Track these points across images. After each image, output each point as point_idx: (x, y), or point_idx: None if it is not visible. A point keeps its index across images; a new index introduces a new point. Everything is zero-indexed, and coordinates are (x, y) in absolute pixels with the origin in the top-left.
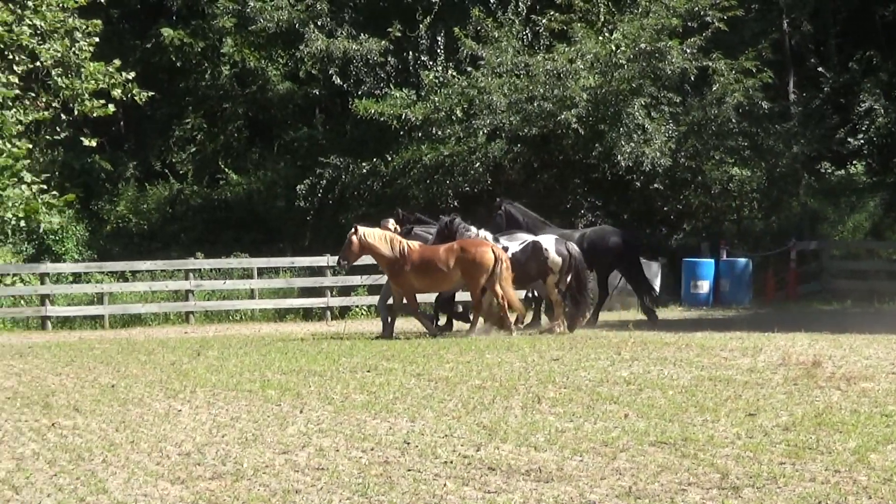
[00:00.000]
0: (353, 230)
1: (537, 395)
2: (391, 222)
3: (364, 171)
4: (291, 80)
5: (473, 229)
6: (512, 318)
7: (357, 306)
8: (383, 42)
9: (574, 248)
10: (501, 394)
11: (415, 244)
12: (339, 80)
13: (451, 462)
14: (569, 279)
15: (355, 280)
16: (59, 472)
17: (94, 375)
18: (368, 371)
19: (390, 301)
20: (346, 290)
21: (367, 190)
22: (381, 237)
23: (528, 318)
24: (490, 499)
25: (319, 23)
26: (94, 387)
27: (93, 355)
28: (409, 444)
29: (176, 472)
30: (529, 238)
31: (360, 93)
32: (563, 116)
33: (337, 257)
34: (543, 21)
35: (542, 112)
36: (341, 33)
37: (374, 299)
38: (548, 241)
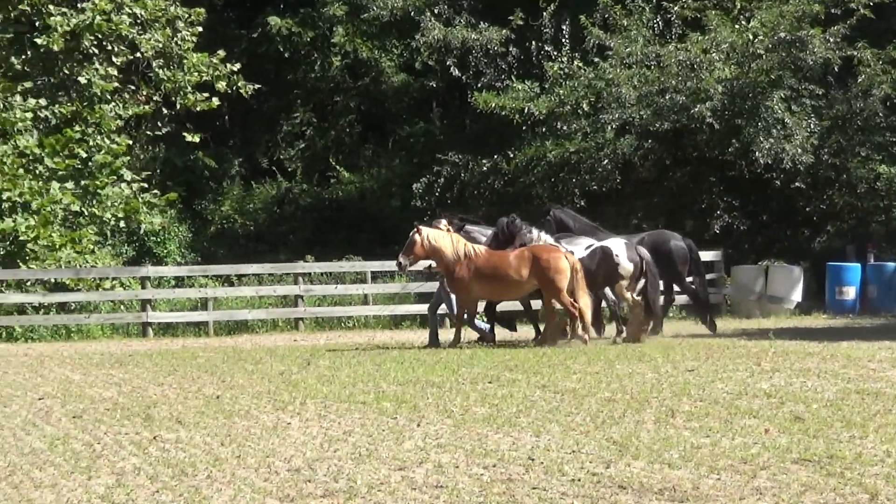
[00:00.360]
0: (415, 230)
1: (671, 409)
2: (443, 223)
3: (484, 168)
4: (406, 71)
5: (535, 231)
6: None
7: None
8: (504, 31)
9: (645, 253)
10: (633, 407)
11: (480, 248)
12: (457, 72)
13: (579, 480)
14: (640, 285)
15: None
16: (161, 489)
17: (198, 386)
18: (490, 382)
19: (442, 308)
20: None
21: (487, 188)
22: (446, 238)
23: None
24: None
25: (436, 10)
26: (198, 398)
27: (196, 364)
28: (533, 460)
29: (285, 489)
30: (595, 243)
31: (479, 85)
32: (696, 110)
33: (396, 259)
34: (675, 8)
35: (674, 105)
36: (459, 22)
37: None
38: (618, 246)
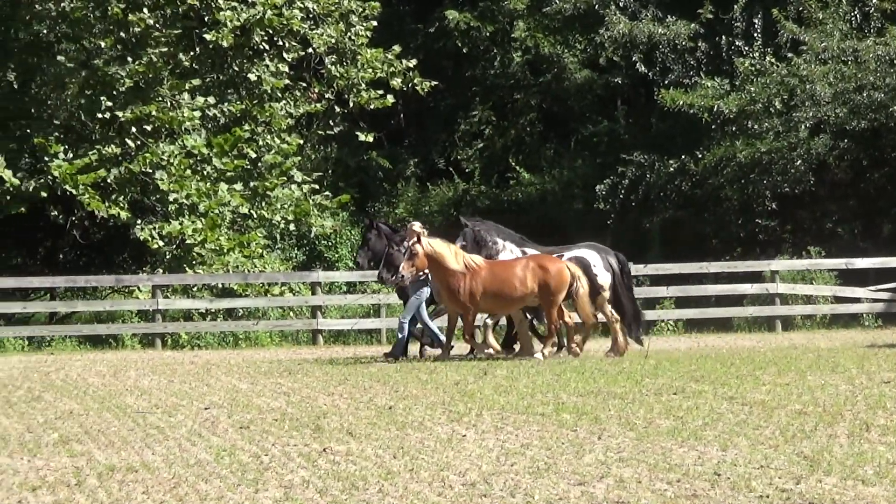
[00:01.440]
0: (414, 239)
1: (866, 423)
2: (417, 225)
3: (671, 169)
4: (590, 67)
5: (500, 241)
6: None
7: (663, 320)
8: (693, 25)
9: (615, 262)
10: (825, 420)
11: (478, 258)
12: (643, 68)
13: (768, 496)
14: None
15: (661, 291)
16: (330, 503)
17: (370, 396)
18: (675, 393)
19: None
20: (650, 303)
21: (674, 190)
22: (447, 247)
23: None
24: None
25: (621, 4)
26: (370, 408)
27: (368, 373)
28: (719, 475)
29: (460, 503)
30: (566, 253)
31: (666, 82)
32: (895, 108)
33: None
34: (874, 1)
35: (872, 103)
36: (646, 15)
37: (683, 313)
38: (592, 256)
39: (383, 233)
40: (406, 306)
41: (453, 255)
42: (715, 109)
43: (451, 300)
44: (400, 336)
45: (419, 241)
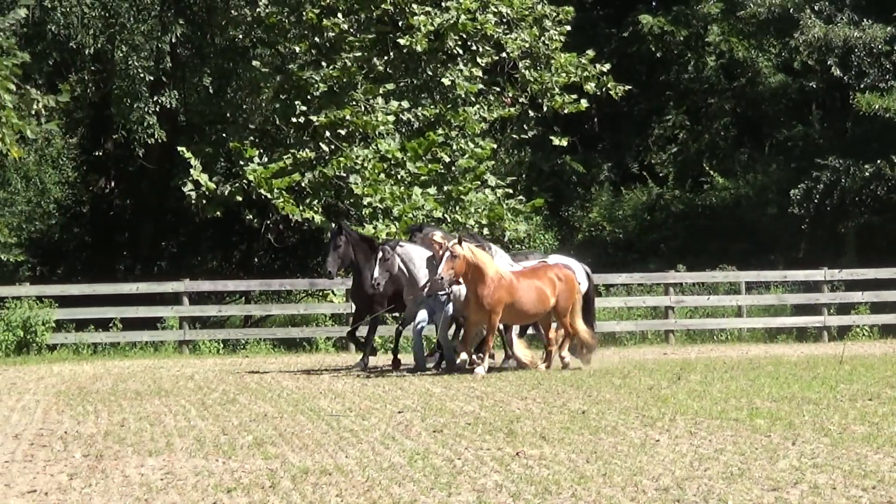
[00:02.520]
0: (455, 241)
1: None
2: (438, 234)
3: (867, 174)
4: (785, 72)
5: (492, 247)
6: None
7: (858, 326)
8: (889, 28)
9: (587, 273)
10: None
11: (502, 268)
12: (838, 72)
13: None
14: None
15: (856, 296)
16: None
17: (563, 400)
18: (870, 399)
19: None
20: (845, 308)
21: (869, 195)
22: (486, 255)
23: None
24: None
25: (816, 7)
26: (563, 413)
27: (562, 378)
28: None
29: None
30: (548, 260)
31: (861, 86)
32: None
33: (438, 276)
34: None
35: None
36: (841, 19)
37: (879, 318)
38: (573, 264)
39: (351, 239)
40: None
41: (491, 262)
42: None
43: (478, 309)
44: (444, 352)
45: (460, 243)
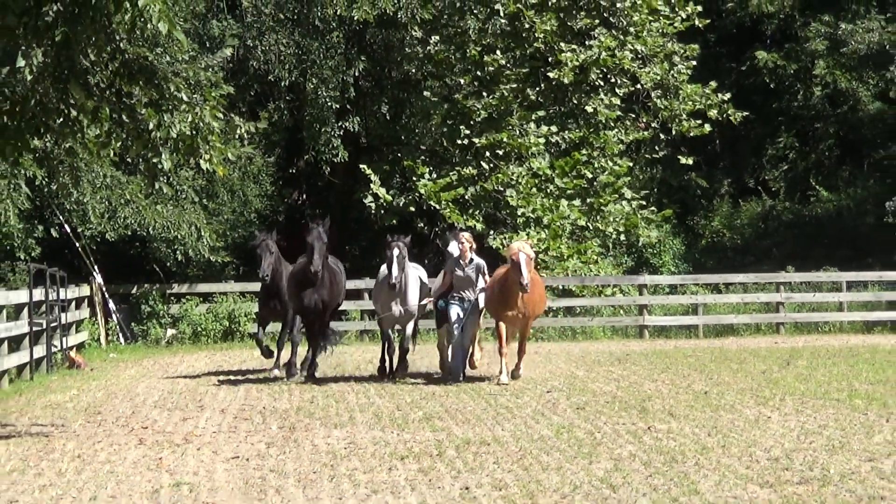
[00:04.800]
0: (525, 246)
1: None
2: (466, 236)
3: None
4: (881, 100)
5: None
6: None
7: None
8: None
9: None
10: None
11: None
12: None
13: None
14: None
15: None
16: (653, 473)
17: (688, 382)
18: None
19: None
20: None
21: None
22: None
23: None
24: None
25: None
26: (688, 393)
27: (687, 363)
28: None
29: (765, 476)
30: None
31: None
32: None
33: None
34: None
35: None
36: None
37: None
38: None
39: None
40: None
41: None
42: None
43: (517, 310)
44: (454, 358)
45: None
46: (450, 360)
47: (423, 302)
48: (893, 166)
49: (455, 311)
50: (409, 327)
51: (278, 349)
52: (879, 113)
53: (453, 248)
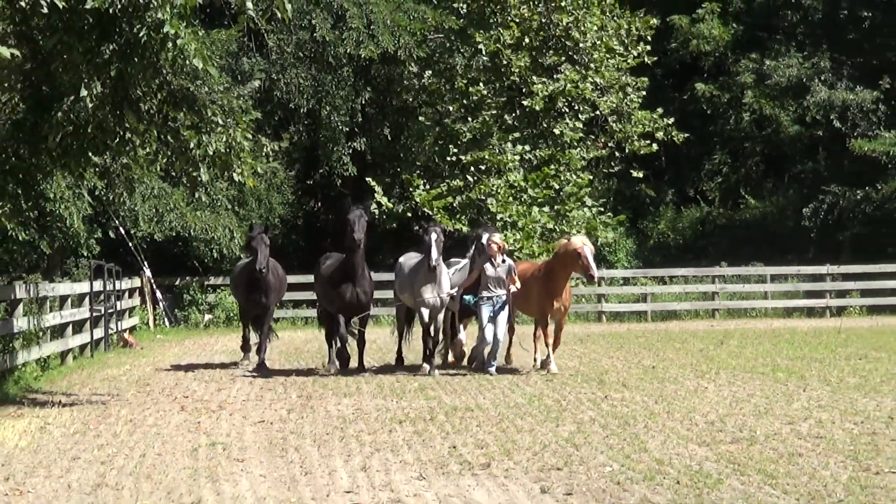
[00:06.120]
0: (580, 238)
1: None
2: (498, 237)
3: (857, 197)
4: (799, 124)
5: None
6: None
7: (851, 306)
8: (875, 92)
9: None
10: None
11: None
12: (838, 124)
13: None
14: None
15: (850, 285)
16: (609, 435)
17: (639, 359)
18: (860, 359)
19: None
20: (842, 293)
21: (860, 213)
22: None
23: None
24: None
25: (823, 78)
26: (639, 367)
27: (638, 343)
28: (892, 418)
29: (702, 436)
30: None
31: (855, 134)
32: None
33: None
34: None
35: None
36: (841, 85)
37: (866, 301)
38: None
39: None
40: (499, 320)
41: None
42: (891, 154)
43: (560, 303)
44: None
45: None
46: (486, 355)
47: (452, 291)
48: (809, 179)
49: (487, 311)
50: (440, 317)
51: (249, 341)
52: (798, 134)
53: (485, 239)
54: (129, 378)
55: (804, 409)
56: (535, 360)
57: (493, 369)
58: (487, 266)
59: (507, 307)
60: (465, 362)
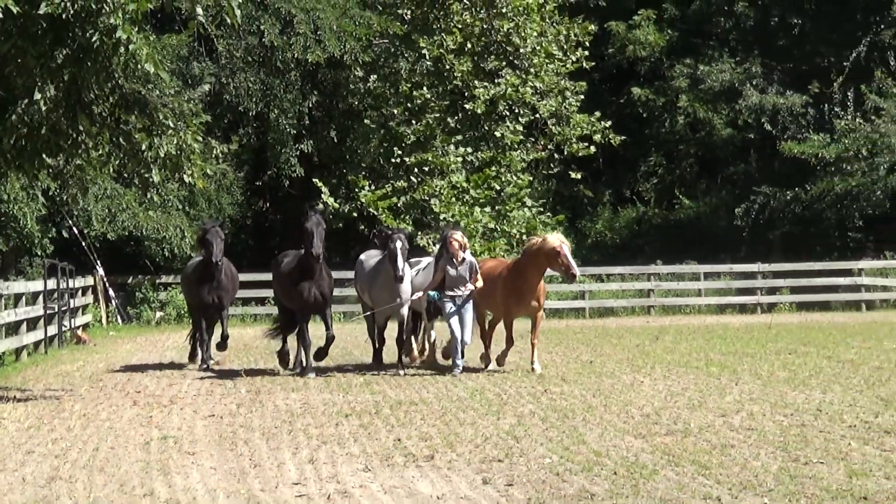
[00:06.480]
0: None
1: None
2: (458, 235)
3: (788, 197)
4: (732, 127)
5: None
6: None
7: (781, 303)
8: (804, 97)
9: None
10: None
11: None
12: (769, 127)
13: (855, 426)
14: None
15: (780, 282)
16: (549, 427)
17: (577, 354)
18: (790, 353)
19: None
20: (772, 290)
21: (790, 213)
22: None
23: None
24: (885, 456)
25: (754, 82)
26: (577, 362)
27: (576, 338)
28: (821, 411)
29: (638, 429)
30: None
31: (785, 137)
32: None
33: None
34: None
35: None
36: (771, 90)
37: (796, 297)
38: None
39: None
40: (465, 320)
41: None
42: (819, 156)
43: (535, 301)
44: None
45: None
46: (455, 355)
47: (416, 296)
48: (741, 180)
49: (449, 306)
50: (405, 311)
51: (203, 343)
52: (730, 137)
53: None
54: (83, 374)
55: (736, 402)
56: (487, 357)
57: (458, 371)
58: (448, 267)
59: (470, 305)
60: (440, 358)
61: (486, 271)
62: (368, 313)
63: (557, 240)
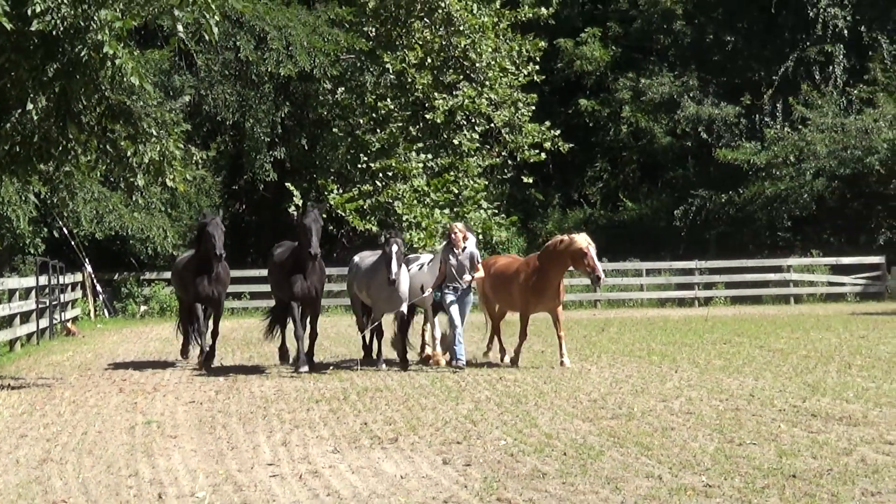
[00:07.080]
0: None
1: (848, 363)
2: (459, 226)
3: (723, 200)
4: (671, 135)
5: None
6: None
7: (717, 297)
8: (737, 108)
9: None
10: (822, 361)
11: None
12: (705, 135)
13: (784, 410)
14: None
15: (715, 278)
16: (504, 412)
17: (529, 344)
18: (724, 343)
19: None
20: (708, 285)
21: (724, 214)
22: None
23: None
24: (812, 437)
25: (691, 94)
26: (529, 352)
27: (528, 330)
28: (753, 396)
29: (586, 413)
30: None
31: (720, 144)
32: (868, 160)
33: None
34: (855, 92)
35: (852, 157)
36: (707, 101)
37: (730, 292)
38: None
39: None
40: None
41: None
42: (751, 162)
43: (556, 297)
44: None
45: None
46: (455, 346)
47: (426, 294)
48: (679, 184)
49: (450, 297)
50: (404, 307)
51: (202, 334)
52: (670, 145)
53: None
54: (72, 363)
55: (676, 388)
56: (503, 349)
57: (462, 362)
58: (450, 256)
59: (469, 297)
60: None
61: (501, 268)
62: (371, 326)
63: (585, 241)
